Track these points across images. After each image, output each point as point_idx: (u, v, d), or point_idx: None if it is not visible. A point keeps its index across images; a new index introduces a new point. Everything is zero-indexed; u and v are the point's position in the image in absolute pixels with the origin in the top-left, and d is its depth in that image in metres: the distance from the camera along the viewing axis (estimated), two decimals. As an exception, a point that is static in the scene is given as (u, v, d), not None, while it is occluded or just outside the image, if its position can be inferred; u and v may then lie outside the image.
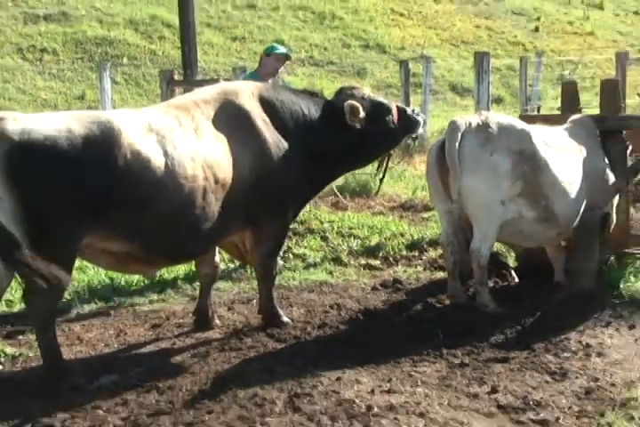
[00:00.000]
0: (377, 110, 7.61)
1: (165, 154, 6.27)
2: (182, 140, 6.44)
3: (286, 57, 9.85)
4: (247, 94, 7.13)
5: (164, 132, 6.37)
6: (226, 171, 6.65)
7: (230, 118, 6.90)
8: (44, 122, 5.91)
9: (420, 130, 8.29)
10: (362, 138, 7.48)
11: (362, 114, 7.37)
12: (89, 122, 6.03)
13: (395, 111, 7.78)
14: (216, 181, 6.57)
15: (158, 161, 6.21)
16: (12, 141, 5.72)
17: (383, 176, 8.80)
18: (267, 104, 7.18)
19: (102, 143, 5.97)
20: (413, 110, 8.15)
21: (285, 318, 7.42)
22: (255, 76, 9.51)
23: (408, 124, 7.92)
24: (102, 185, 5.95)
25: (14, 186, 5.72)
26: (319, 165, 7.38)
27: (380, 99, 7.89)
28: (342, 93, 7.72)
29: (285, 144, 7.11)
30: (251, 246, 7.31)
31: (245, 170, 6.80)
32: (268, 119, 7.09)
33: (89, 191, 5.91)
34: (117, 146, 6.02)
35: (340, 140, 7.44)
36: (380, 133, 7.62)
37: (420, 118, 8.08)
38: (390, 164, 8.76)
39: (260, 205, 6.98)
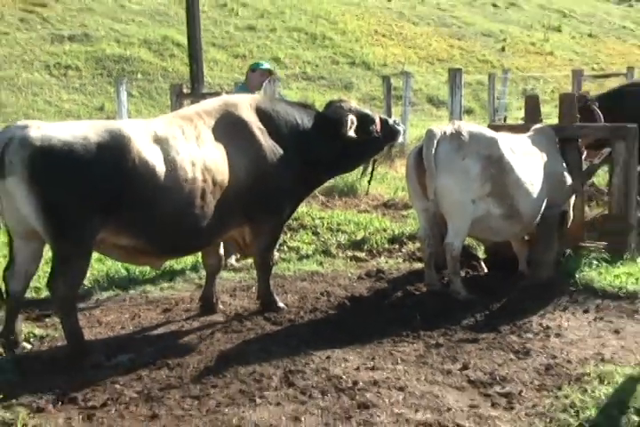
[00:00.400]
0: (362, 121, 7.56)
1: (169, 159, 6.27)
2: (184, 147, 6.42)
3: (269, 72, 9.84)
4: (245, 106, 7.09)
5: (168, 140, 6.36)
6: (224, 174, 6.63)
7: (229, 127, 6.87)
8: (62, 130, 5.93)
9: (401, 138, 8.26)
10: (348, 145, 7.44)
11: (354, 122, 7.36)
12: (102, 130, 6.04)
13: (378, 121, 7.77)
14: (214, 184, 6.54)
15: (163, 165, 6.21)
16: (35, 147, 5.74)
17: (370, 178, 8.78)
18: (263, 114, 7.13)
19: (114, 149, 5.98)
20: (395, 121, 8.13)
21: (281, 304, 7.40)
22: (243, 88, 9.49)
23: (390, 133, 7.91)
24: (113, 186, 5.97)
25: (36, 186, 5.75)
26: (311, 169, 7.32)
27: (365, 110, 7.86)
28: (332, 106, 7.70)
29: (280, 150, 7.06)
30: (250, 240, 7.27)
31: (242, 173, 6.78)
32: (264, 128, 7.04)
33: (102, 192, 5.93)
34: (127, 152, 6.02)
35: (329, 147, 7.41)
36: (365, 141, 7.58)
37: (400, 128, 8.07)
38: (376, 167, 8.71)
39: (257, 204, 6.93)
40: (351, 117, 7.38)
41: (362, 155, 7.89)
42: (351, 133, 7.35)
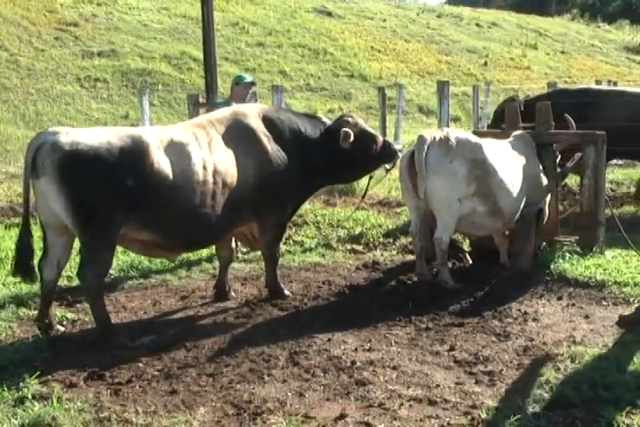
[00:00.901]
0: (363, 138, 7.45)
1: (184, 162, 6.29)
2: (197, 152, 6.41)
3: (252, 84, 9.56)
4: (253, 115, 7.04)
5: (183, 145, 6.37)
6: (233, 176, 6.60)
7: (238, 134, 6.84)
8: (88, 135, 5.98)
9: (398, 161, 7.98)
10: (345, 157, 7.33)
11: (351, 139, 7.26)
12: (124, 136, 6.08)
13: (380, 142, 7.65)
14: (224, 185, 6.52)
15: (178, 168, 6.23)
16: (64, 151, 5.81)
17: (365, 194, 8.83)
18: (269, 123, 7.07)
19: (134, 153, 6.02)
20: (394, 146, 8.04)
21: (287, 292, 7.41)
22: (228, 102, 9.13)
23: (389, 154, 7.77)
24: (134, 186, 5.99)
25: (65, 186, 5.82)
26: (310, 174, 7.25)
27: (369, 129, 7.70)
28: (341, 119, 7.59)
29: (284, 155, 7.00)
30: (257, 235, 7.24)
31: (249, 175, 6.75)
32: (270, 135, 6.99)
33: (124, 191, 5.96)
34: (146, 156, 6.07)
35: (327, 155, 7.30)
36: (363, 156, 7.48)
37: (399, 153, 7.99)
38: (371, 187, 8.68)
39: (262, 203, 6.90)
40: (346, 131, 7.24)
41: (358, 168, 7.71)
42: (345, 145, 7.24)
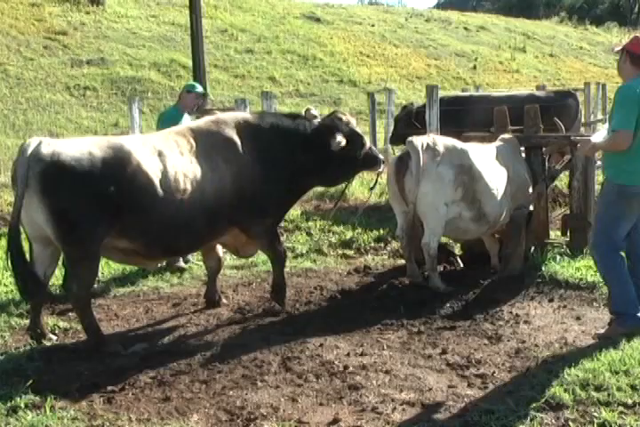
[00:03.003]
0: (352, 139, 7.22)
1: (164, 171, 6.21)
2: (178, 160, 6.35)
3: (204, 95, 9.37)
4: (235, 123, 6.87)
5: (164, 154, 6.31)
6: (213, 185, 6.50)
7: (218, 142, 6.72)
8: (70, 146, 5.96)
9: (380, 169, 7.71)
10: (333, 156, 7.11)
11: (343, 142, 7.08)
12: (105, 146, 6.06)
13: (367, 146, 7.46)
14: (204, 193, 6.42)
15: (159, 177, 6.17)
16: (45, 162, 5.79)
17: (338, 201, 9.00)
18: (252, 130, 6.89)
19: (116, 163, 5.99)
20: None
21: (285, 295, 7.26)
22: (177, 109, 9.10)
23: (372, 160, 7.49)
24: (116, 196, 5.94)
25: (47, 198, 5.79)
26: (296, 176, 7.05)
27: (359, 132, 7.48)
28: (332, 116, 7.40)
29: (267, 162, 6.84)
30: (249, 243, 7.13)
31: (229, 183, 6.61)
32: (251, 142, 6.81)
33: (106, 202, 5.92)
34: (127, 165, 6.03)
35: (316, 153, 7.08)
36: (348, 158, 7.22)
37: (382, 163, 7.64)
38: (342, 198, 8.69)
39: (244, 210, 6.72)
40: (340, 137, 7.07)
41: (343, 169, 7.41)
42: (338, 143, 7.04)
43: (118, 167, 5.99)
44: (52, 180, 5.80)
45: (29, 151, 5.83)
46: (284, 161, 6.99)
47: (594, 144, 6.19)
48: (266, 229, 7.05)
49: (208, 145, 6.66)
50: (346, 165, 7.34)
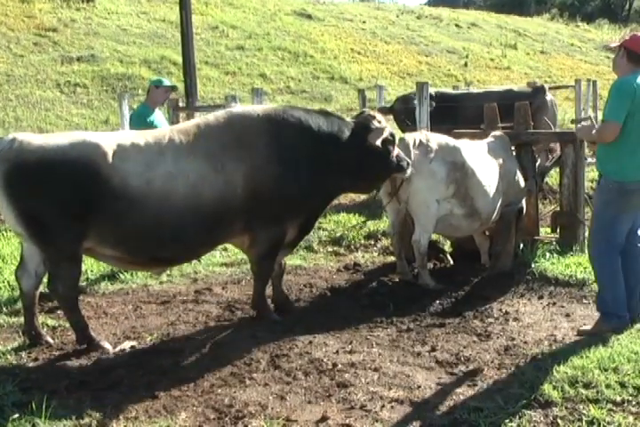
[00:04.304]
0: (389, 139, 6.81)
1: (146, 174, 5.81)
2: (168, 162, 5.91)
3: (172, 88, 9.04)
4: (253, 117, 6.35)
5: (150, 154, 5.90)
6: (215, 188, 6.02)
7: (229, 140, 6.19)
8: (40, 144, 5.69)
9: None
10: (367, 159, 6.65)
11: (383, 136, 6.67)
12: (79, 144, 5.75)
13: (395, 148, 6.95)
14: (199, 198, 5.97)
15: (141, 180, 5.78)
16: (11, 161, 5.61)
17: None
18: (274, 125, 6.34)
19: (87, 164, 5.67)
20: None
21: (275, 316, 6.73)
22: (146, 107, 8.81)
23: (402, 163, 6.98)
24: (86, 198, 5.68)
25: (12, 197, 5.65)
26: (327, 179, 6.52)
27: (394, 132, 6.99)
28: (363, 116, 6.88)
29: (288, 162, 6.28)
30: (247, 247, 6.61)
31: (238, 186, 6.10)
32: (271, 139, 6.28)
33: (75, 203, 5.67)
34: (101, 166, 5.69)
35: (348, 157, 6.55)
36: (381, 161, 6.78)
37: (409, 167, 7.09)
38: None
39: (256, 215, 6.24)
40: (379, 127, 6.66)
41: (378, 172, 6.90)
42: (375, 141, 6.63)
43: (90, 168, 5.66)
44: (16, 179, 5.61)
45: (2, 148, 5.66)
46: (310, 161, 6.41)
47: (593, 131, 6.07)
48: (270, 237, 6.47)
49: (214, 144, 6.15)
50: (381, 167, 6.85)
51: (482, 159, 7.75)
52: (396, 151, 6.96)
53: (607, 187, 5.96)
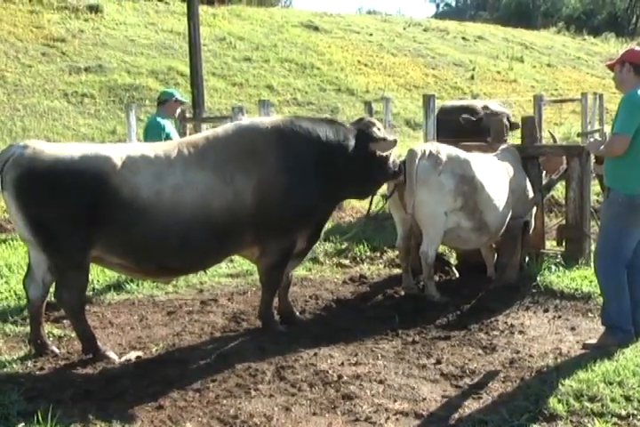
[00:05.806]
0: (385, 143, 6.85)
1: (155, 186, 5.87)
2: (177, 173, 5.96)
3: (181, 103, 9.03)
4: (262, 128, 6.41)
5: (160, 166, 5.96)
6: (223, 200, 6.07)
7: (238, 152, 6.24)
8: (53, 152, 5.76)
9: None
10: (368, 165, 6.76)
11: (385, 140, 6.78)
12: (90, 154, 5.81)
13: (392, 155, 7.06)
14: (208, 209, 6.02)
15: (149, 191, 5.84)
16: (23, 167, 5.66)
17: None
18: (282, 137, 6.40)
19: (99, 173, 5.73)
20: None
21: (280, 327, 6.79)
22: (161, 117, 8.70)
23: (397, 169, 7.17)
24: (95, 208, 5.72)
25: (23, 203, 5.70)
26: (333, 186, 6.60)
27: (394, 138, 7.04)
28: (362, 122, 6.98)
29: (298, 172, 6.35)
30: (257, 258, 6.66)
31: (248, 198, 6.17)
32: (279, 150, 6.35)
33: (83, 212, 5.70)
34: (110, 178, 5.74)
35: (351, 163, 6.64)
36: (382, 167, 6.93)
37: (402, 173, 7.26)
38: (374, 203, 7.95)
39: (267, 225, 6.30)
40: (380, 135, 6.79)
41: (379, 177, 7.06)
42: (377, 148, 6.75)
43: (100, 179, 5.72)
44: (27, 185, 5.67)
45: (7, 155, 5.73)
46: (318, 171, 6.48)
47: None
48: (280, 248, 6.52)
49: (223, 156, 6.19)
50: (381, 173, 6.99)
51: (492, 173, 7.75)
52: (392, 157, 7.07)
53: (616, 201, 5.94)
